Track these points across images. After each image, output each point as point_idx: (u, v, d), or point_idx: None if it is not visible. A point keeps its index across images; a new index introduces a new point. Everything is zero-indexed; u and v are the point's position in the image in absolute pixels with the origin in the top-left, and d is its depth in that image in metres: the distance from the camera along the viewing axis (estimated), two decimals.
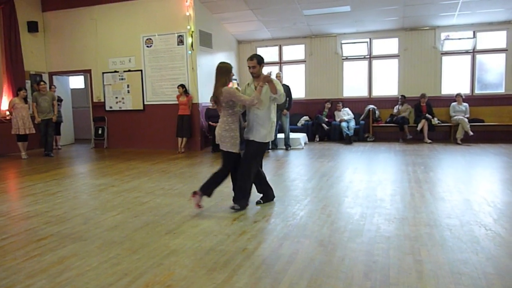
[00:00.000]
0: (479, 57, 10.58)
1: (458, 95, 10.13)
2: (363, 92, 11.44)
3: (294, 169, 7.14)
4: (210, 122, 9.51)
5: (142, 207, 4.74)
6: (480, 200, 4.65)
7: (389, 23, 10.53)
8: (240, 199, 4.49)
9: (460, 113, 9.99)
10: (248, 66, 4.50)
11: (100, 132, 10.83)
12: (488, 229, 3.65)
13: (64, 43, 10.95)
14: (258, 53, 12.03)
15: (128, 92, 10.44)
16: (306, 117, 11.37)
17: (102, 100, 10.74)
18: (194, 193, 4.44)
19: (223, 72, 4.43)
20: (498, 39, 10.35)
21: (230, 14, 10.26)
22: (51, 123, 9.49)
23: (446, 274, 2.76)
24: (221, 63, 4.53)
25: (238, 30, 11.38)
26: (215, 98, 4.41)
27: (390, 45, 11.10)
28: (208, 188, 4.46)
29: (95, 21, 10.50)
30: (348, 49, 11.22)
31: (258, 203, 4.70)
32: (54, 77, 11.24)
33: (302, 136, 10.02)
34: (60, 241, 3.64)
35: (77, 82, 13.30)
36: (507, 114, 10.13)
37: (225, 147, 4.39)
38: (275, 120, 4.61)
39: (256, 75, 4.50)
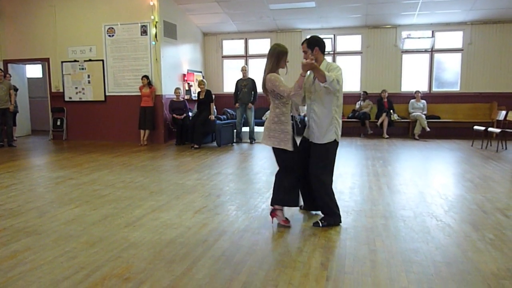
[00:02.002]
0: (437, 56, 10.99)
1: (417, 92, 10.52)
2: None
3: (258, 162, 7.19)
4: (174, 115, 9.40)
5: (101, 200, 4.63)
6: (433, 192, 4.87)
7: (353, 20, 10.74)
8: (329, 214, 3.71)
9: (418, 110, 10.39)
10: (304, 51, 3.77)
11: (58, 123, 10.45)
12: (439, 220, 3.84)
13: (20, 29, 10.46)
14: (224, 46, 12.14)
15: (89, 82, 10.12)
16: None
17: (61, 90, 10.36)
18: (272, 212, 3.74)
19: (274, 54, 3.61)
20: (454, 39, 10.79)
21: (196, 5, 10.13)
22: (8, 113, 9.11)
23: (398, 263, 2.88)
24: (275, 44, 3.73)
25: (203, 22, 11.27)
26: (263, 85, 3.65)
27: (354, 42, 11.33)
28: (277, 198, 3.71)
29: (54, 8, 10.07)
30: None
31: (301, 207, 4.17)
32: (9, 65, 10.73)
33: None
34: (13, 235, 3.51)
35: (34, 71, 12.77)
36: (461, 111, 10.62)
37: (273, 143, 3.59)
38: (336, 115, 3.66)
39: None
